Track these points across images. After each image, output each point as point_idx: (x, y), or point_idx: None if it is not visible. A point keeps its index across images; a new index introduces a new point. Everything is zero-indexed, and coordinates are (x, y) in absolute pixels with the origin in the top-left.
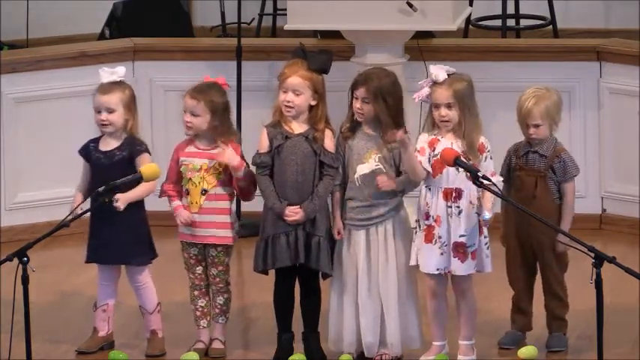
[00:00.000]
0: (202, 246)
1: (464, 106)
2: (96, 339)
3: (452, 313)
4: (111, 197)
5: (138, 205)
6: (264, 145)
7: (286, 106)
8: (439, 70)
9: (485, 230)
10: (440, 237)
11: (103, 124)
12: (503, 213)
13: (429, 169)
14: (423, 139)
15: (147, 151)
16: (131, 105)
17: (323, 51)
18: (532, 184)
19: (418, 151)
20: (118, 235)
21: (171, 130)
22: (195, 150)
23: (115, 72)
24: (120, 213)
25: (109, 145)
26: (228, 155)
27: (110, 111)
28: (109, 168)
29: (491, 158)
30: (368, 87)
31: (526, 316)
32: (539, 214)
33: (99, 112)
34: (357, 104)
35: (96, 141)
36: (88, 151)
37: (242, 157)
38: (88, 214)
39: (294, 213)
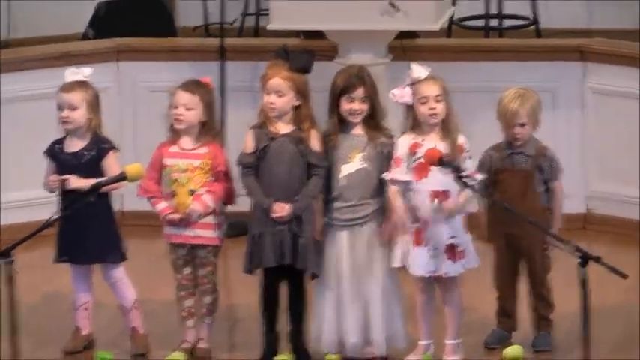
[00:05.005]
0: (191, 247)
1: (448, 101)
2: (80, 338)
3: (437, 313)
4: (94, 197)
5: (107, 202)
6: (249, 146)
7: (269, 107)
8: (420, 67)
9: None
10: (429, 239)
11: (64, 122)
12: (487, 214)
13: (407, 179)
14: (405, 143)
15: (113, 148)
16: (94, 104)
17: (304, 51)
18: (520, 185)
19: (395, 162)
20: (90, 233)
21: (154, 131)
22: (179, 151)
23: (80, 72)
24: (91, 212)
25: (75, 145)
26: (196, 211)
27: (73, 108)
28: (78, 169)
29: (470, 158)
30: (366, 85)
31: (511, 317)
32: (528, 214)
33: (61, 109)
34: (354, 105)
35: (60, 142)
36: (54, 152)
37: (226, 163)
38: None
39: (281, 209)
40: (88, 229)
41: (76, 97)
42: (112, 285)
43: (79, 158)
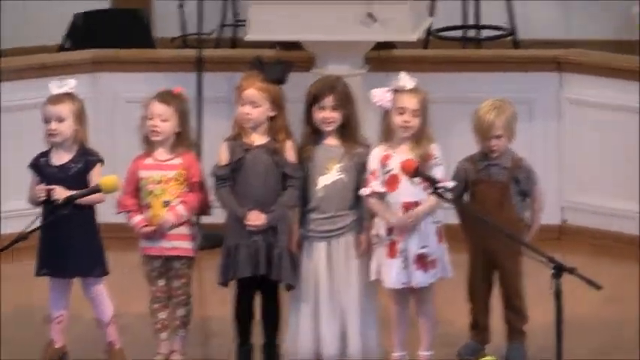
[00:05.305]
0: (165, 259)
1: (425, 116)
2: (53, 351)
3: (411, 324)
4: (70, 209)
5: (92, 216)
6: (224, 158)
7: (245, 118)
8: (408, 78)
9: (443, 238)
10: (403, 251)
11: (51, 134)
12: (463, 226)
13: (382, 190)
14: (377, 155)
15: (100, 161)
16: (81, 116)
17: (279, 61)
18: (496, 196)
19: (371, 174)
20: (74, 247)
21: (132, 142)
22: (154, 162)
23: (66, 84)
24: (74, 225)
25: (61, 158)
26: (169, 220)
27: (60, 120)
28: (65, 181)
29: (439, 165)
30: (336, 94)
31: (484, 330)
32: (504, 225)
33: (48, 121)
34: (325, 114)
35: (46, 155)
36: (40, 165)
37: (201, 173)
38: None
39: (256, 217)
40: (71, 243)
41: (64, 109)
42: (92, 299)
43: (66, 171)
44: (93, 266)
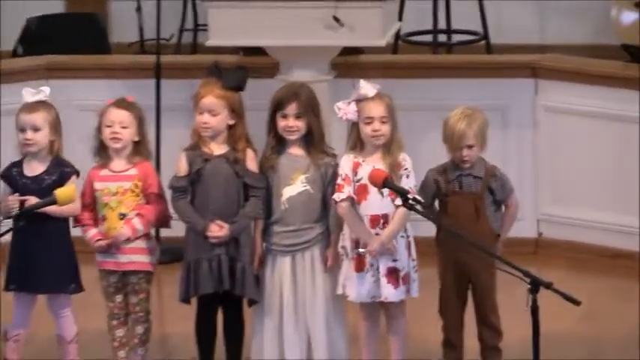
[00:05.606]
0: (122, 273)
1: (394, 121)
2: None
3: (382, 340)
4: (26, 220)
5: (66, 229)
6: (183, 169)
7: (203, 127)
8: (369, 85)
9: (413, 253)
10: (372, 265)
11: (27, 144)
12: (435, 241)
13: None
14: (348, 163)
15: (75, 172)
16: (56, 125)
17: (238, 67)
18: (470, 208)
19: (344, 180)
20: (47, 262)
21: (86, 152)
22: (110, 173)
23: (41, 91)
24: (47, 239)
25: (35, 169)
26: (124, 234)
27: (36, 129)
28: (38, 193)
29: (407, 177)
30: (299, 101)
31: (457, 349)
32: (479, 238)
33: (23, 130)
34: (288, 122)
35: (18, 165)
36: (12, 176)
37: (158, 184)
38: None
39: (219, 227)
40: (44, 257)
41: (39, 117)
42: (58, 317)
43: (40, 182)
44: (68, 282)
